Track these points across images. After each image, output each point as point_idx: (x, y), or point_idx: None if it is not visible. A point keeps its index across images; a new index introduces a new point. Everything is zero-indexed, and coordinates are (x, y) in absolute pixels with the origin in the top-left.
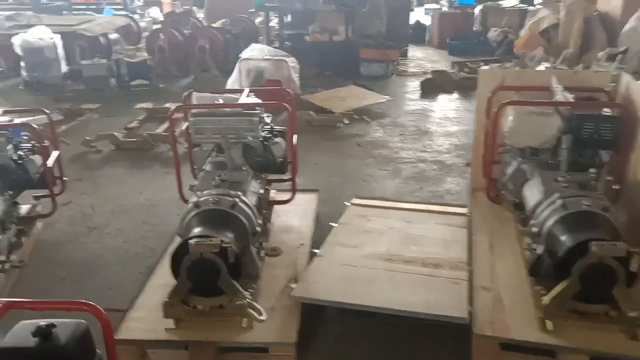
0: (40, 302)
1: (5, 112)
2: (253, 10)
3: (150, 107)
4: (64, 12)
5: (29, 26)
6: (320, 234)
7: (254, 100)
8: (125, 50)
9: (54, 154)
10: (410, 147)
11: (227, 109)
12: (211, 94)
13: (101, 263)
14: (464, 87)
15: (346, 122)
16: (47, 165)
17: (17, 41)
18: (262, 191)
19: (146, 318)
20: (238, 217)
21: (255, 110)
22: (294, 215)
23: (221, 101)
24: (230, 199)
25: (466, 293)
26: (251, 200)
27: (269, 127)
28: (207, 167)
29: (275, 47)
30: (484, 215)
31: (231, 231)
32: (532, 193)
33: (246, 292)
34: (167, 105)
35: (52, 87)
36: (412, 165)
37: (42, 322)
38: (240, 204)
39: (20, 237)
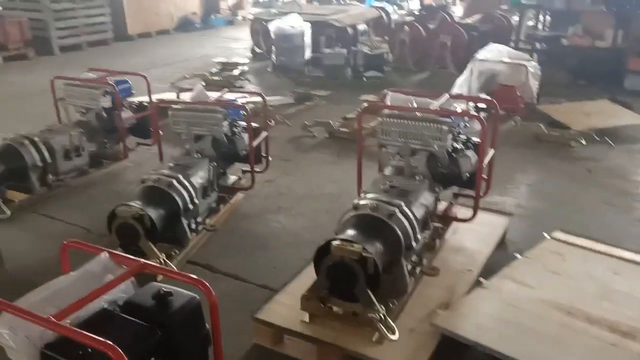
0: (168, 271)
1: (231, 91)
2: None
3: (372, 100)
4: (334, 1)
5: (287, 14)
6: (498, 263)
7: (452, 107)
8: (371, 41)
9: (262, 135)
10: None
11: (418, 114)
12: (405, 95)
13: (275, 242)
14: None
15: (582, 142)
16: (252, 144)
17: (272, 27)
18: (433, 204)
19: (288, 305)
20: (393, 227)
21: (447, 118)
22: (473, 236)
23: (414, 104)
24: (390, 207)
25: None
26: (417, 212)
27: (464, 138)
28: (387, 170)
29: (524, 49)
30: None
31: (382, 241)
32: None
33: (381, 306)
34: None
35: (294, 72)
36: None
37: (164, 287)
38: (399, 214)
39: (219, 204)
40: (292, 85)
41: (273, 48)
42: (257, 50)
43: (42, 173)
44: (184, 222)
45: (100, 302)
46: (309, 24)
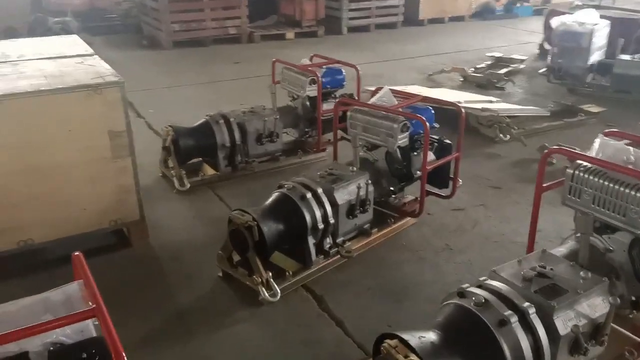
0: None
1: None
2: None
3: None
4: None
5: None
6: None
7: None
8: None
9: (449, 156)
10: None
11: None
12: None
13: (415, 293)
14: None
15: None
16: (425, 164)
17: (554, 22)
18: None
19: None
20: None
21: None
22: None
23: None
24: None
25: None
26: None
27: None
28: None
29: None
30: None
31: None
32: None
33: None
34: None
35: (573, 78)
36: None
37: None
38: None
39: (373, 227)
40: (564, 93)
41: (553, 47)
42: (547, 47)
43: (230, 153)
44: (310, 241)
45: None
46: (607, 22)
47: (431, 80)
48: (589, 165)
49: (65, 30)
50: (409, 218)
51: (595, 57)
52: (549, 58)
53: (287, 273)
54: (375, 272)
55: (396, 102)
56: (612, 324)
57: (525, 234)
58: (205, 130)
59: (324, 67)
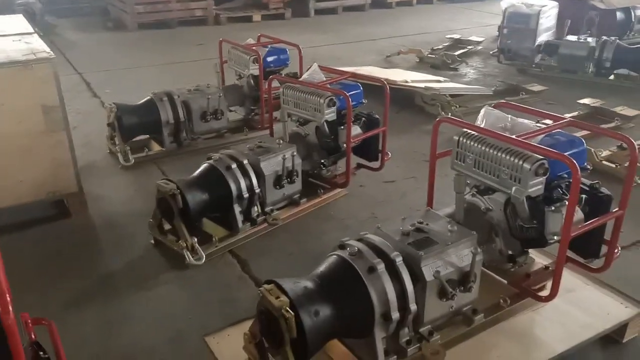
0: None
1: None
2: None
3: (593, 105)
4: None
5: None
6: None
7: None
8: None
9: (378, 131)
10: None
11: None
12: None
13: None
14: None
15: None
16: (349, 137)
17: (504, 4)
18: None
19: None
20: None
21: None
22: None
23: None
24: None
25: None
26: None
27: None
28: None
29: None
30: None
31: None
32: None
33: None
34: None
35: (522, 58)
36: None
37: None
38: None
39: (302, 197)
40: (514, 74)
41: (502, 29)
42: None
43: (175, 130)
44: (237, 209)
45: None
46: (555, 4)
47: (388, 62)
48: (472, 132)
49: (28, 13)
50: (340, 190)
51: (543, 38)
52: (499, 39)
53: (214, 239)
54: (299, 238)
55: (324, 79)
56: (495, 275)
57: (447, 203)
58: (150, 108)
59: (269, 46)
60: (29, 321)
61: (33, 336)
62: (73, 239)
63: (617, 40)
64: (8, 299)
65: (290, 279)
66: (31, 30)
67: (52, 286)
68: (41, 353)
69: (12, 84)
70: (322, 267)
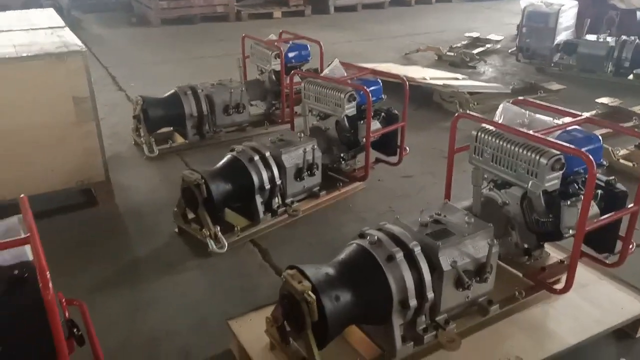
0: None
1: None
2: None
3: (611, 104)
4: None
5: None
6: None
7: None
8: None
9: (397, 126)
10: None
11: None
12: (522, 110)
13: None
14: None
15: None
16: (368, 131)
17: (523, 2)
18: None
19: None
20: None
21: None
22: None
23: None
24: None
25: None
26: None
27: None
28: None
29: None
30: None
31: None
32: None
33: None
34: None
35: (540, 57)
36: None
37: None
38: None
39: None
40: (532, 72)
41: (521, 27)
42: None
43: (198, 123)
44: (258, 200)
45: None
46: (574, 3)
47: (407, 59)
48: (490, 127)
49: (55, 8)
50: (359, 183)
51: (562, 37)
52: (518, 38)
53: (236, 228)
54: (318, 230)
55: (345, 75)
56: (511, 268)
57: (465, 198)
58: (174, 101)
59: (291, 42)
60: (64, 300)
61: (67, 315)
62: (100, 227)
63: (637, 40)
64: (48, 276)
65: (312, 265)
66: (62, 23)
67: (81, 271)
68: (75, 330)
69: (45, 76)
70: (342, 255)
